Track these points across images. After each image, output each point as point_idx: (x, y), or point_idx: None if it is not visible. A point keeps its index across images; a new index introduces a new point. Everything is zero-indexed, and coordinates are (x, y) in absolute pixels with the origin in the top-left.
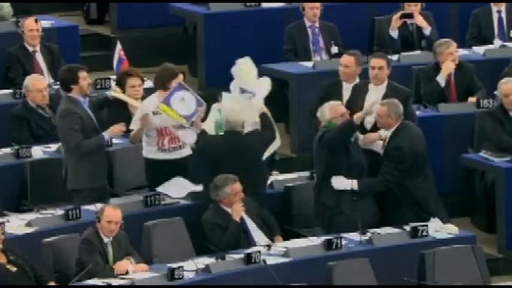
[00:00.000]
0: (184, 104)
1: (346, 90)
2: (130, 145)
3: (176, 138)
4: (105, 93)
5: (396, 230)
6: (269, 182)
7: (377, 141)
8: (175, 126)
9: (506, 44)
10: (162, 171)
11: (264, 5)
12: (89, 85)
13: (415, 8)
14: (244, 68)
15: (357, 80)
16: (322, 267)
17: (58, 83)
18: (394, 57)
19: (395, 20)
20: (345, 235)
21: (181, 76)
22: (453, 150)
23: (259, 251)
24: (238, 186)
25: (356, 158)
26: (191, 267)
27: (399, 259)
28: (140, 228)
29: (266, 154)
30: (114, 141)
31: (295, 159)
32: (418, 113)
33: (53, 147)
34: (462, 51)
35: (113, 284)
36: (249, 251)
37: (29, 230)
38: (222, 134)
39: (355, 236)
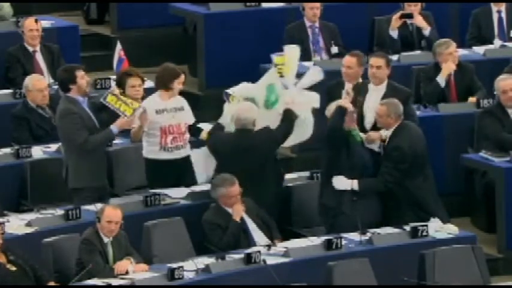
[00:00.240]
0: None
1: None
2: (131, 145)
3: (179, 137)
4: (100, 100)
5: (396, 230)
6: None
7: (376, 141)
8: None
9: (506, 44)
10: (162, 171)
11: (264, 5)
12: (88, 84)
13: (415, 8)
14: (291, 55)
15: (360, 80)
16: (322, 267)
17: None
18: (394, 57)
19: (395, 20)
20: (345, 235)
21: (182, 76)
22: (453, 150)
23: (259, 251)
24: (235, 189)
25: (359, 158)
26: (191, 267)
27: (399, 259)
28: (140, 228)
29: (290, 143)
30: (114, 141)
31: (295, 159)
32: (418, 113)
33: (53, 147)
34: (462, 51)
35: (113, 284)
36: (249, 251)
37: (29, 230)
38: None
39: (355, 236)
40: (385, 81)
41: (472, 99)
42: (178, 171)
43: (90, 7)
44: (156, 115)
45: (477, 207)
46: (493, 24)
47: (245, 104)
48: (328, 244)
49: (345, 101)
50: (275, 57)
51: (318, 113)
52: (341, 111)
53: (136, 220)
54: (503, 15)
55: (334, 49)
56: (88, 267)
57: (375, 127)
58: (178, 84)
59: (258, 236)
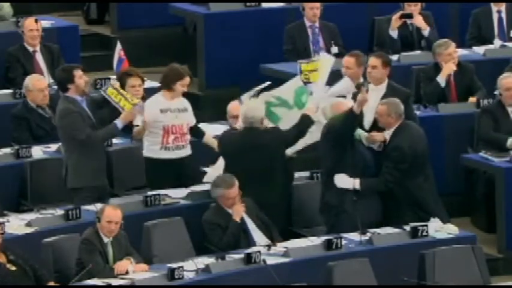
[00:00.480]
0: None
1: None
2: (131, 145)
3: (181, 138)
4: (100, 90)
5: (396, 230)
6: None
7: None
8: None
9: (506, 44)
10: (162, 170)
11: (264, 5)
12: (86, 83)
13: (414, 8)
14: (324, 64)
15: (361, 80)
16: (322, 267)
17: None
18: (394, 57)
19: (395, 20)
20: (344, 235)
21: (187, 79)
22: (453, 150)
23: (259, 251)
24: (233, 191)
25: (361, 155)
26: (191, 267)
27: (399, 259)
28: (140, 228)
29: (298, 147)
30: (114, 141)
31: (295, 159)
32: (418, 113)
33: (53, 147)
34: (462, 51)
35: (113, 284)
36: (249, 251)
37: (29, 230)
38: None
39: (355, 236)
40: (384, 81)
41: (472, 99)
42: (178, 171)
43: (90, 7)
44: (160, 114)
45: (477, 207)
46: (493, 24)
47: (252, 103)
48: (328, 244)
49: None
50: (302, 64)
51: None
52: (352, 114)
53: (136, 220)
54: (503, 15)
55: (334, 49)
56: (88, 267)
57: (374, 127)
58: (181, 86)
59: (258, 236)
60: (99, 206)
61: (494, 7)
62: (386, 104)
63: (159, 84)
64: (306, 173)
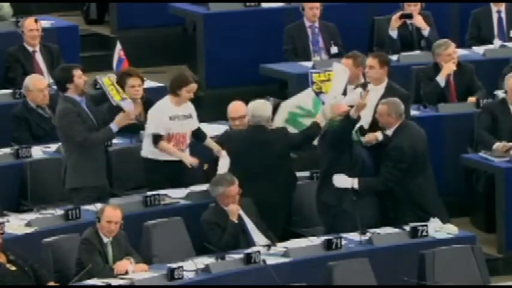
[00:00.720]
0: None
1: (350, 91)
2: (130, 145)
3: (181, 143)
4: (96, 77)
5: (396, 230)
6: None
7: (372, 141)
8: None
9: (505, 44)
10: (161, 170)
11: (264, 5)
12: (85, 83)
13: (414, 8)
14: (337, 74)
15: (362, 81)
16: (322, 267)
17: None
18: (394, 57)
19: (395, 20)
20: (344, 235)
21: (193, 85)
22: (453, 150)
23: (259, 251)
24: (233, 189)
25: (358, 155)
26: (191, 267)
27: (399, 259)
28: (140, 228)
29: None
30: (114, 141)
31: (294, 159)
32: (417, 113)
33: (53, 147)
34: (462, 51)
35: (113, 284)
36: (248, 251)
37: (29, 230)
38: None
39: (355, 236)
40: (384, 81)
41: (471, 99)
42: (178, 171)
43: (89, 7)
44: (170, 121)
45: (477, 207)
46: (492, 24)
47: (259, 102)
48: (328, 244)
49: (358, 109)
50: (314, 74)
51: None
52: (349, 118)
53: (136, 220)
54: (503, 15)
55: (334, 49)
56: (88, 267)
57: (373, 127)
58: (187, 93)
59: (257, 237)
60: (99, 206)
61: (494, 7)
62: (386, 103)
63: (159, 84)
64: (306, 173)
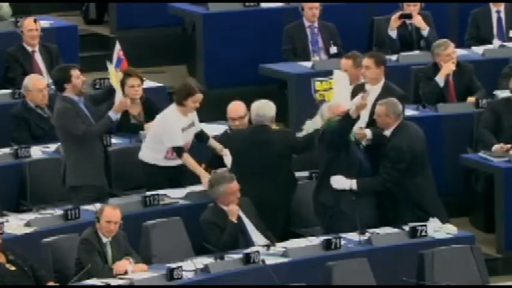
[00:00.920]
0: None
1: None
2: (129, 145)
3: (187, 150)
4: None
5: (395, 230)
6: None
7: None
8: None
9: (505, 44)
10: (161, 172)
11: (263, 5)
12: (83, 83)
13: (414, 8)
14: (338, 81)
15: (361, 81)
16: (321, 267)
17: None
18: (393, 57)
19: (394, 20)
20: (343, 235)
21: (198, 95)
22: (452, 150)
23: (258, 251)
24: (234, 185)
25: (356, 155)
26: (190, 267)
27: (398, 259)
28: (139, 228)
29: None
30: (113, 141)
31: (294, 159)
32: (417, 113)
33: (52, 147)
34: (461, 51)
35: (112, 284)
36: (248, 251)
37: (28, 230)
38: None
39: (354, 236)
40: (381, 81)
41: (471, 99)
42: (177, 172)
43: (89, 7)
44: (182, 133)
45: (476, 207)
46: (492, 24)
47: (264, 101)
48: (327, 244)
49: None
50: (316, 82)
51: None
52: (349, 118)
53: (135, 220)
54: (502, 15)
55: (333, 49)
56: (87, 267)
57: (371, 126)
58: (192, 103)
59: (257, 237)
60: (98, 206)
61: (493, 7)
62: (384, 104)
63: (158, 84)
64: (305, 173)
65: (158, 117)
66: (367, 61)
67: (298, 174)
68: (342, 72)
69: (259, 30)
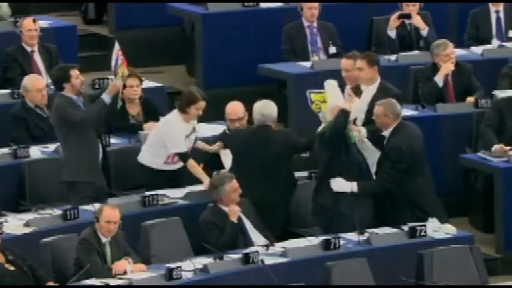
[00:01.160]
0: None
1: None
2: (129, 145)
3: None
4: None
5: (394, 230)
6: None
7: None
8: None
9: (504, 44)
10: (160, 173)
11: (262, 5)
12: (82, 83)
13: (413, 8)
14: (330, 91)
15: None
16: (320, 267)
17: None
18: (392, 57)
19: (394, 20)
20: (343, 235)
21: (201, 103)
22: (451, 150)
23: (257, 251)
24: (235, 183)
25: (355, 157)
26: (189, 267)
27: (397, 259)
28: (138, 228)
29: None
30: (113, 141)
31: (293, 159)
32: (416, 113)
33: (51, 147)
34: (460, 51)
35: (111, 284)
36: (247, 251)
37: (27, 230)
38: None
39: (353, 236)
40: (376, 81)
41: (470, 99)
42: (176, 172)
43: (88, 7)
44: (185, 141)
45: (475, 207)
46: (491, 24)
47: (267, 101)
48: (326, 244)
49: (347, 103)
50: (312, 94)
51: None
52: (344, 114)
53: (134, 220)
54: (501, 15)
55: (332, 49)
56: (86, 267)
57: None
58: (195, 110)
59: (256, 237)
60: (97, 206)
61: (492, 7)
62: (383, 104)
63: (157, 84)
64: (305, 173)
65: (161, 122)
66: (359, 63)
67: (298, 174)
68: (330, 80)
69: (259, 30)
